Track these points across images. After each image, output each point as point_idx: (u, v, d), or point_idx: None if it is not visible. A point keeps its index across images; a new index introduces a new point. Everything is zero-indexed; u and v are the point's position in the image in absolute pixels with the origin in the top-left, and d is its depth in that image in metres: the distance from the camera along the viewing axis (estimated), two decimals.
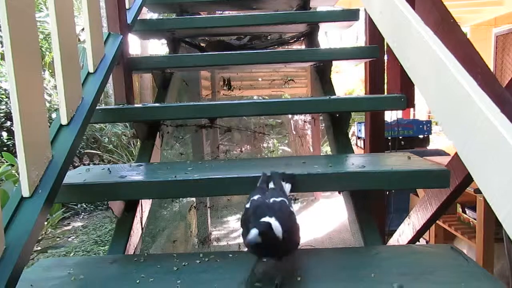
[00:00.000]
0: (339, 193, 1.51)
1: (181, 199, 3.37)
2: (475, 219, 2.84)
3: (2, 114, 3.90)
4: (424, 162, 1.32)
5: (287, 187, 1.15)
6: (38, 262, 1.20)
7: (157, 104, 1.79)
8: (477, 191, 2.49)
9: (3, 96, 3.87)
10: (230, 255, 1.17)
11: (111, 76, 1.68)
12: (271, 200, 1.00)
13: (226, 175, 1.22)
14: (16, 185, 1.06)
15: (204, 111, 1.60)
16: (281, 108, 1.60)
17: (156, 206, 3.55)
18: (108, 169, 1.39)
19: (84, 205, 4.07)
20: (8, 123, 3.80)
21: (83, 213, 4.06)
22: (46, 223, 1.82)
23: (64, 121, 1.27)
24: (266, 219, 0.89)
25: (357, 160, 1.39)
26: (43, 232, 1.98)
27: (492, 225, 2.63)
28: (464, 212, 3.06)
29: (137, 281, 1.03)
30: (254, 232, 0.85)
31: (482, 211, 2.61)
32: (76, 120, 1.30)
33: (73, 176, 1.31)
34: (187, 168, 1.35)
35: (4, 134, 3.60)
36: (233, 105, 1.60)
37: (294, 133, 6.20)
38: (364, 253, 1.18)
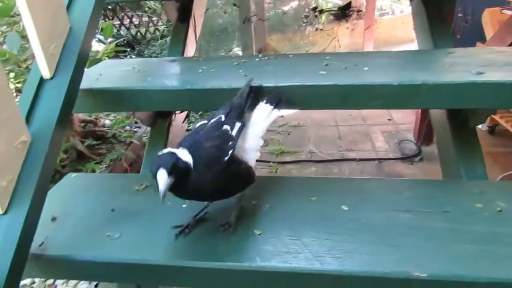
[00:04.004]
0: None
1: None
2: None
3: None
4: None
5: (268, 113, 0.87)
6: (103, 61, 1.24)
7: None
8: None
9: None
10: (291, 56, 1.13)
11: None
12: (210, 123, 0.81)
13: None
14: None
15: None
16: None
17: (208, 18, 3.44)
18: None
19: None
20: None
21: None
22: (102, 55, 1.86)
23: None
24: (173, 150, 0.72)
25: None
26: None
27: None
28: None
29: (199, 71, 1.04)
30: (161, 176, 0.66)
31: None
32: None
33: None
34: None
35: None
36: None
37: None
38: (437, 53, 1.09)
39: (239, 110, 0.83)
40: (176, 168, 0.67)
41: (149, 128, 2.41)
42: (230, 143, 0.77)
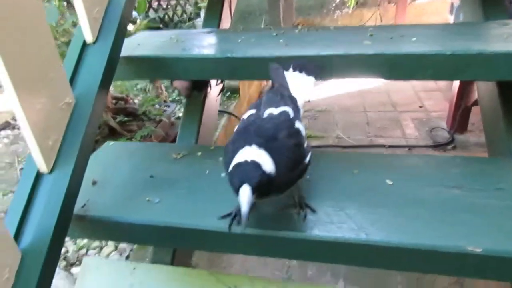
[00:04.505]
0: None
1: None
2: None
3: None
4: None
5: (306, 81, 0.83)
6: (138, 33, 1.23)
7: None
8: None
9: None
10: (332, 28, 1.09)
11: None
12: (266, 113, 0.71)
13: None
14: None
15: None
16: None
17: None
18: None
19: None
20: None
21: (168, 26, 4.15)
22: (135, 31, 1.87)
23: None
24: (251, 153, 0.60)
25: None
26: None
27: None
28: None
29: (239, 40, 1.02)
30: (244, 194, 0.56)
31: None
32: None
33: None
34: None
35: None
36: None
37: None
38: (491, 24, 1.02)
39: (298, 109, 0.75)
40: (262, 184, 0.58)
41: (177, 108, 2.42)
42: (306, 145, 0.70)
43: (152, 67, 0.96)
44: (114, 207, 0.78)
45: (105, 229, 0.77)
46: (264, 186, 0.58)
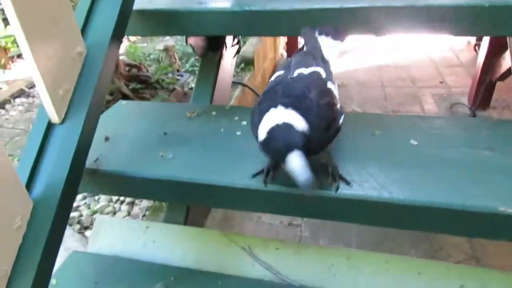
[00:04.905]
0: None
1: None
2: None
3: None
4: None
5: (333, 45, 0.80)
6: None
7: None
8: None
9: None
10: None
11: None
12: (296, 73, 0.67)
13: None
14: None
15: None
16: None
17: None
18: None
19: None
20: None
21: None
22: None
23: None
24: (279, 115, 0.56)
25: None
26: None
27: None
28: None
29: None
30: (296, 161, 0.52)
31: None
32: None
33: None
34: None
35: None
36: None
37: None
38: None
39: (330, 71, 0.74)
40: (305, 145, 0.53)
41: (190, 79, 2.38)
42: (339, 106, 0.67)
43: (166, 21, 0.91)
44: (126, 162, 0.76)
45: (118, 184, 0.75)
46: (305, 147, 0.54)
